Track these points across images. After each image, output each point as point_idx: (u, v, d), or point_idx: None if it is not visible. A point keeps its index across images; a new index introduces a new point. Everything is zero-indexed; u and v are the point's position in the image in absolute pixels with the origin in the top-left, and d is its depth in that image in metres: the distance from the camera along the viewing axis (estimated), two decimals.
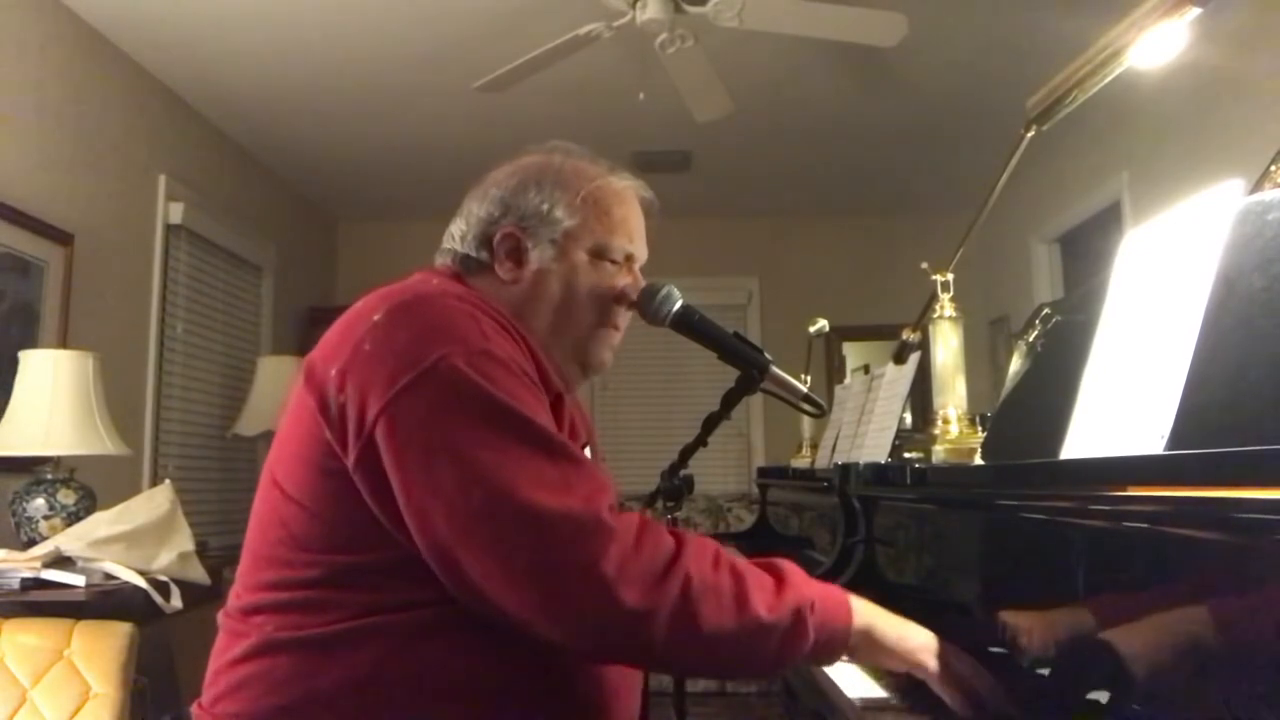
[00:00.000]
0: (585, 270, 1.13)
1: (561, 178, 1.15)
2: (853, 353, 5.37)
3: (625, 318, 1.20)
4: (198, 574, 2.49)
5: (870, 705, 1.00)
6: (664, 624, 0.86)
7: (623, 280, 1.17)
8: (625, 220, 1.17)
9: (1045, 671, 0.90)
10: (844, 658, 0.97)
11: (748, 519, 3.91)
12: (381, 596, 0.92)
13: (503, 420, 0.90)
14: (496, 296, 1.11)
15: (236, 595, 0.99)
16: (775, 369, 1.31)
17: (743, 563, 0.94)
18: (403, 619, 0.91)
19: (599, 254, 1.14)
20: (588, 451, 1.11)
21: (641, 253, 1.20)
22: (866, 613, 0.97)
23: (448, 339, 0.93)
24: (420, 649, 0.91)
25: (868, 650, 0.96)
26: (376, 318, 0.97)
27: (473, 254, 1.14)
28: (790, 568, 0.96)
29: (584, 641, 0.88)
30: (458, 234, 1.16)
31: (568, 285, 1.12)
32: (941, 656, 0.96)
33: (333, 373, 0.94)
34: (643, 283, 1.20)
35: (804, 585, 0.94)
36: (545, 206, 1.12)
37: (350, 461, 0.92)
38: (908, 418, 1.95)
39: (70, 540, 2.35)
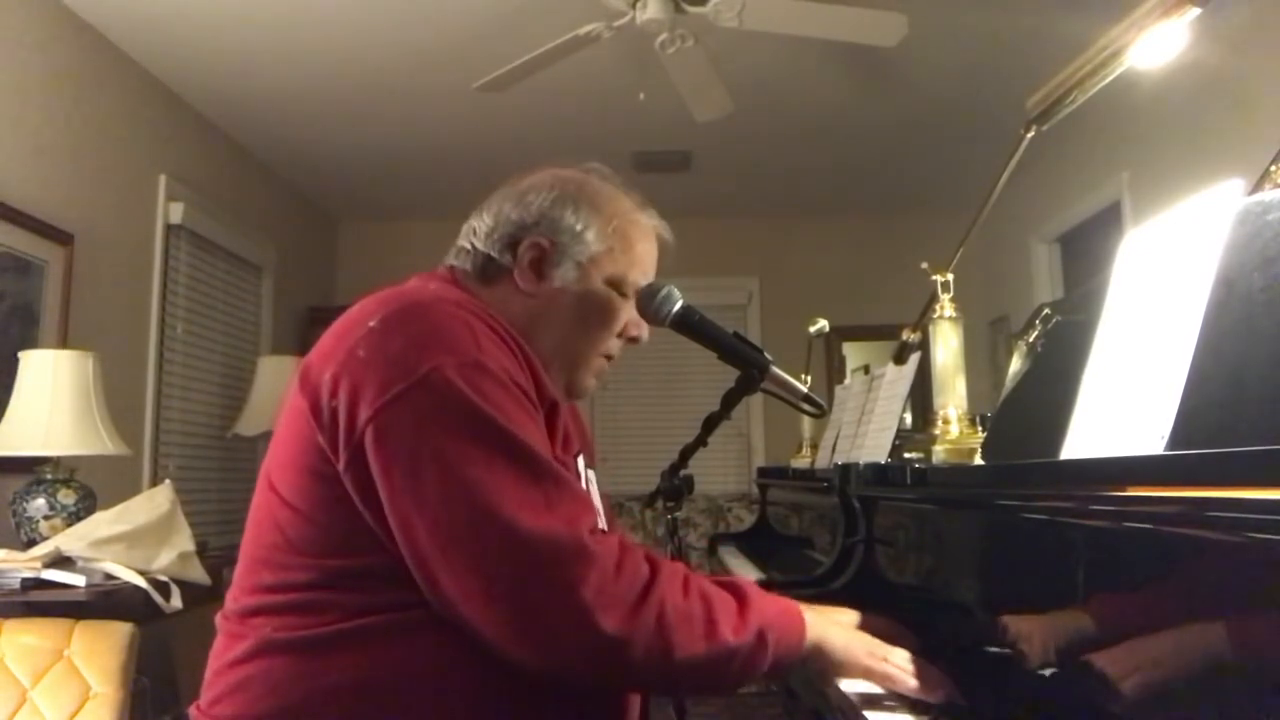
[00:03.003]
0: (600, 297, 1.14)
1: (598, 203, 1.16)
2: (853, 353, 5.37)
3: (619, 350, 1.21)
4: (198, 574, 2.49)
5: (869, 701, 1.00)
6: (640, 651, 0.87)
7: (628, 314, 1.18)
8: (645, 256, 1.19)
9: (1044, 672, 0.90)
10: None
11: (748, 519, 3.91)
12: (377, 598, 0.92)
13: (490, 436, 0.90)
14: (505, 303, 1.11)
15: (234, 597, 0.99)
16: (775, 369, 1.31)
17: (710, 587, 0.96)
18: (399, 619, 0.91)
19: (615, 284, 1.15)
20: (580, 461, 1.11)
21: None
22: (818, 627, 1.00)
23: (440, 349, 0.93)
24: (418, 649, 0.91)
25: (818, 663, 1.01)
26: (372, 324, 0.96)
27: (494, 255, 1.13)
28: (750, 588, 0.99)
29: (558, 665, 0.88)
30: (482, 230, 1.15)
31: (581, 307, 1.13)
32: (889, 662, 0.99)
33: (326, 377, 0.94)
34: (645, 330, 1.21)
35: (764, 605, 0.97)
36: (579, 227, 1.13)
37: (340, 466, 0.92)
38: (908, 418, 1.95)
39: (70, 540, 2.35)
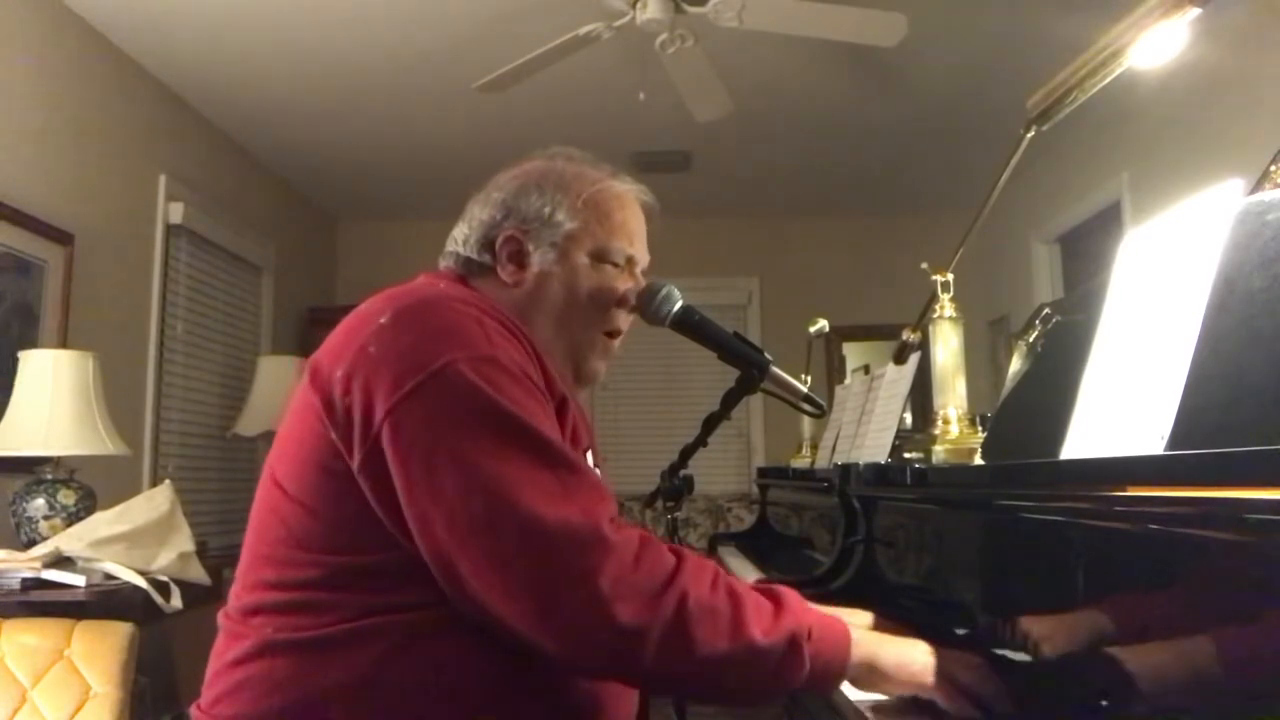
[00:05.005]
0: (586, 273, 1.14)
1: (563, 181, 1.15)
2: (853, 353, 5.37)
3: (626, 322, 1.20)
4: (198, 574, 2.49)
5: (875, 709, 0.99)
6: (656, 643, 0.86)
7: (624, 283, 1.17)
8: (625, 223, 1.17)
9: (1045, 672, 0.90)
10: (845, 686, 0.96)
11: (748, 519, 3.91)
12: (381, 598, 0.92)
13: (506, 427, 0.90)
14: (498, 300, 1.11)
15: (236, 595, 0.99)
16: (775, 369, 1.31)
17: (741, 585, 0.93)
18: (402, 620, 0.91)
19: (600, 256, 1.15)
20: (589, 456, 1.11)
21: (642, 256, 1.21)
22: (867, 643, 0.96)
23: (453, 344, 0.93)
24: (419, 651, 0.91)
25: (869, 680, 0.96)
26: (382, 320, 0.97)
27: (475, 257, 1.14)
28: (789, 594, 0.96)
29: (575, 656, 0.88)
30: (460, 237, 1.16)
31: (569, 288, 1.13)
32: (944, 673, 0.94)
33: (338, 374, 0.94)
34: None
35: (802, 613, 0.94)
36: (547, 210, 1.13)
37: (355, 464, 0.92)
38: (908, 418, 1.95)
39: (70, 540, 2.35)
